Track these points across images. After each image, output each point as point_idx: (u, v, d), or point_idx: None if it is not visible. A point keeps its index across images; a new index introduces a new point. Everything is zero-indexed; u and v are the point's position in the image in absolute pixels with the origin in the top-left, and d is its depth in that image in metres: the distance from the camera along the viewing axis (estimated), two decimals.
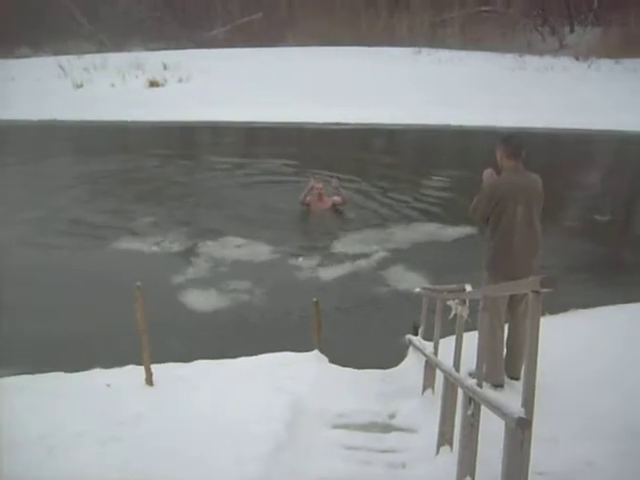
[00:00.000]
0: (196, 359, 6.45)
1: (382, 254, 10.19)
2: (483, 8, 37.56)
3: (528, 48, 33.05)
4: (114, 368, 6.27)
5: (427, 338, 6.04)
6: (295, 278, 9.48)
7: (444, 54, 32.07)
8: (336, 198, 12.21)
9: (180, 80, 30.03)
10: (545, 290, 2.88)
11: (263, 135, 22.26)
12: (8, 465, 4.54)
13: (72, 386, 5.91)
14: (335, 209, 12.15)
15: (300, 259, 10.07)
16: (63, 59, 33.55)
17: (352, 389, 5.95)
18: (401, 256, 10.12)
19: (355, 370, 6.48)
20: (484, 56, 31.26)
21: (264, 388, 5.67)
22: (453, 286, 5.10)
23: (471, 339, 4.46)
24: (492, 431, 3.60)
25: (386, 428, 5.17)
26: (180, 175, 16.12)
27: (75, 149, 20.38)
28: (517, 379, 5.54)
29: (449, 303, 4.79)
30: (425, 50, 33.22)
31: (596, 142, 19.44)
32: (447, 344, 5.13)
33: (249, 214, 12.30)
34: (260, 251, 10.45)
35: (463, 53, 31.87)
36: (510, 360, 5.65)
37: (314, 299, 6.60)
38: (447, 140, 20.72)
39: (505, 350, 5.67)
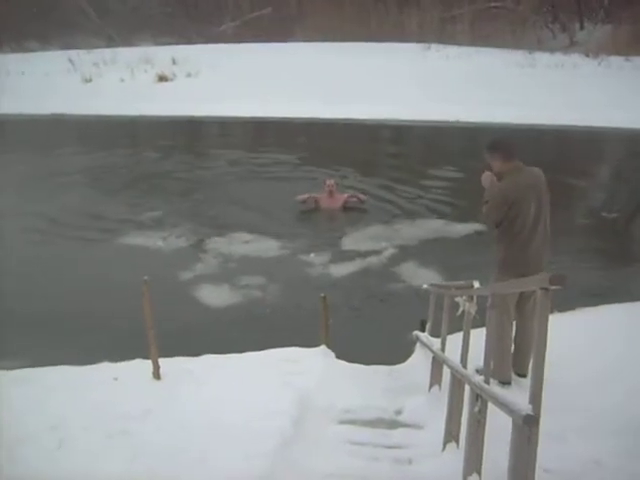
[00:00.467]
0: (205, 353, 6.46)
1: (391, 250, 10.19)
2: (493, 4, 37.46)
3: (538, 45, 32.93)
4: (122, 362, 6.28)
5: (434, 335, 6.03)
6: (304, 274, 9.49)
7: (453, 50, 31.98)
8: (351, 197, 12.17)
9: (189, 75, 30.07)
10: (554, 287, 2.86)
11: (271, 130, 22.28)
12: (20, 457, 4.57)
13: (80, 379, 5.92)
14: (345, 207, 12.07)
15: (312, 255, 10.07)
16: (72, 53, 33.64)
17: (359, 385, 5.95)
18: (409, 253, 10.12)
19: (362, 366, 6.47)
20: (494, 52, 31.17)
21: (271, 383, 5.67)
22: (461, 283, 5.09)
23: (478, 336, 4.46)
24: (499, 428, 3.59)
25: (393, 424, 5.16)
26: (186, 170, 16.15)
27: (83, 143, 20.43)
28: (524, 376, 5.53)
29: (457, 300, 4.78)
30: (434, 46, 33.14)
31: (606, 140, 19.37)
32: (454, 341, 5.12)
33: (256, 210, 12.31)
34: (268, 247, 10.46)
35: (472, 49, 31.78)
36: (518, 357, 5.64)
37: (321, 294, 6.59)
38: (456, 137, 20.67)
39: (513, 347, 5.65)
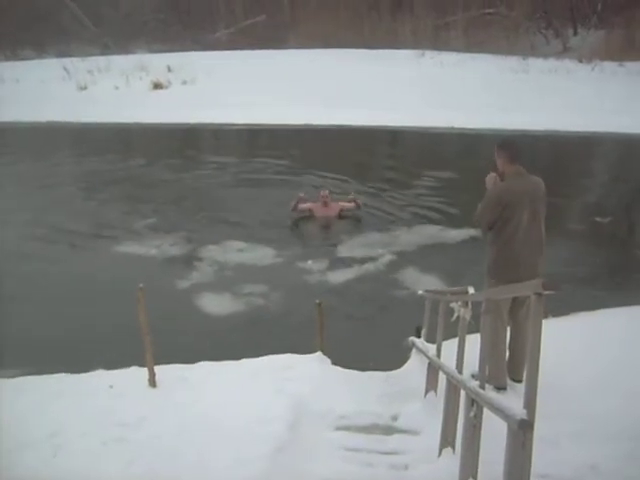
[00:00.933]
0: (204, 361, 6.47)
1: (388, 257, 10.18)
2: (486, 11, 37.62)
3: (532, 51, 33.07)
4: (117, 369, 6.28)
5: (430, 340, 6.04)
6: (302, 281, 9.46)
7: (447, 57, 32.11)
8: (346, 204, 12.04)
9: (184, 82, 30.13)
10: (547, 292, 2.88)
11: (266, 137, 22.31)
12: (17, 463, 4.57)
13: (76, 387, 5.93)
14: (341, 215, 11.98)
15: (309, 262, 10.05)
16: (67, 61, 33.70)
17: (354, 391, 5.95)
18: (406, 259, 10.13)
19: (358, 372, 6.48)
20: (487, 59, 31.30)
21: (266, 389, 5.67)
22: (456, 288, 5.10)
23: (474, 341, 4.47)
24: (494, 433, 3.61)
25: (388, 430, 5.17)
26: (180, 177, 16.15)
27: (78, 151, 20.45)
28: (519, 382, 5.53)
29: (452, 305, 4.80)
30: (428, 53, 33.27)
31: (599, 145, 19.45)
32: (450, 346, 5.13)
33: (250, 217, 12.29)
34: (264, 255, 10.44)
35: (466, 56, 31.92)
36: (512, 363, 5.65)
37: (317, 301, 6.60)
38: (450, 143, 20.75)
39: (507, 353, 5.67)
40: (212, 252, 10.55)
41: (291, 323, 8.07)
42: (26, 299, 8.88)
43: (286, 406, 5.28)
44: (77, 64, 33.37)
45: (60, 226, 12.24)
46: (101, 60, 34.47)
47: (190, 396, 5.61)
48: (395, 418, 5.33)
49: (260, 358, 6.48)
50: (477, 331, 4.65)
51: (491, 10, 37.60)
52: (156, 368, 5.84)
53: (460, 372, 4.40)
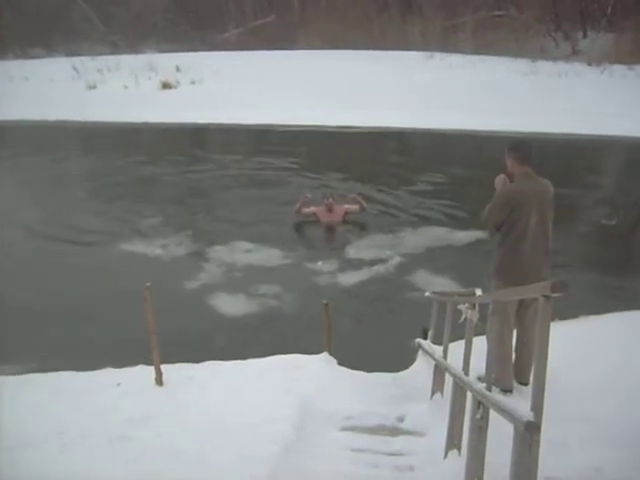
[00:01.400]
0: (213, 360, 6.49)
1: (397, 259, 10.12)
2: (496, 13, 37.56)
3: (541, 53, 32.99)
4: (125, 368, 6.30)
5: (436, 342, 6.04)
6: (311, 282, 9.43)
7: (456, 59, 32.05)
8: (350, 206, 11.90)
9: (193, 82, 30.16)
10: (556, 295, 2.88)
11: (274, 138, 22.30)
12: (22, 460, 4.59)
13: (83, 385, 5.96)
14: (345, 220, 11.79)
15: (319, 263, 10.04)
16: (76, 60, 33.77)
17: (361, 392, 5.96)
18: (415, 261, 10.10)
19: (364, 373, 6.48)
20: (496, 61, 31.23)
21: (272, 389, 5.68)
22: (463, 290, 5.10)
23: (480, 343, 4.47)
24: (500, 435, 3.60)
25: (394, 431, 5.17)
26: (187, 177, 16.16)
27: (86, 150, 20.52)
28: (526, 384, 5.53)
29: (459, 307, 4.79)
30: (437, 54, 33.20)
31: (608, 148, 19.37)
32: (456, 348, 5.13)
33: (257, 218, 12.28)
34: (271, 256, 10.40)
35: (475, 58, 31.85)
36: (519, 365, 5.64)
37: (324, 301, 6.61)
38: (457, 145, 20.69)
39: (514, 355, 5.66)
40: (219, 252, 10.54)
41: (301, 324, 8.04)
42: (30, 297, 8.91)
43: (292, 406, 5.29)
44: (86, 63, 33.44)
45: (65, 224, 12.28)
46: (110, 59, 34.53)
47: (196, 395, 5.63)
48: (401, 419, 5.33)
49: (266, 358, 6.49)
50: (483, 333, 4.66)
51: (501, 12, 37.56)
52: (163, 367, 5.86)
53: (466, 374, 4.40)
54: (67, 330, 7.90)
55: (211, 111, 23.73)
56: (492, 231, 5.61)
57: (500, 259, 5.51)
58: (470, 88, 25.19)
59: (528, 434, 2.94)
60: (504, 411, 3.25)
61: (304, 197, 11.90)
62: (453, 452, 4.49)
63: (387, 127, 21.49)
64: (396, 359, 6.86)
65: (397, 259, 10.17)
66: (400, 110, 22.44)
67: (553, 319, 3.07)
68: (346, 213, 11.83)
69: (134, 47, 41.94)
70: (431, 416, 5.21)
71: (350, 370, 6.48)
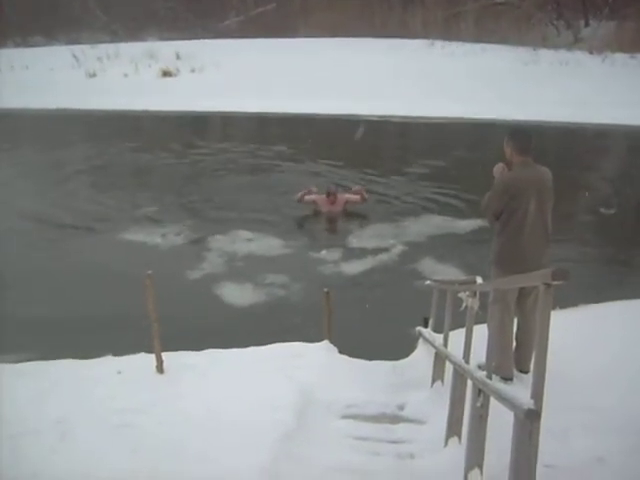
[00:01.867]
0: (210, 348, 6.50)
1: (400, 247, 10.14)
2: (497, 1, 37.32)
3: (543, 42, 32.81)
4: (125, 356, 6.32)
5: (437, 330, 6.05)
6: (312, 271, 9.43)
7: (458, 47, 31.91)
8: (351, 196, 11.81)
9: (193, 70, 30.08)
10: (556, 283, 2.87)
11: (274, 126, 22.27)
12: (23, 449, 4.60)
13: (84, 373, 5.96)
14: (346, 210, 11.74)
15: (323, 252, 10.03)
16: (76, 48, 33.66)
17: (361, 380, 5.97)
18: (417, 249, 10.11)
19: (364, 361, 6.49)
20: (498, 49, 31.09)
21: (273, 377, 5.69)
22: (464, 278, 5.10)
23: (480, 332, 4.47)
24: (500, 423, 3.61)
25: (395, 419, 5.18)
26: (186, 165, 16.16)
27: (86, 138, 20.46)
28: (526, 372, 5.54)
29: (460, 295, 4.79)
30: (439, 43, 33.05)
31: (608, 137, 19.34)
32: (456, 336, 5.14)
33: (256, 206, 12.26)
34: (273, 245, 10.40)
35: (477, 46, 31.69)
36: (519, 353, 5.65)
37: (325, 290, 6.62)
38: (458, 133, 20.65)
39: (514, 343, 5.66)
40: (220, 241, 10.54)
41: (302, 312, 8.02)
42: (30, 286, 8.93)
43: (293, 394, 5.30)
44: (86, 51, 33.35)
45: (64, 212, 12.29)
46: (110, 47, 34.41)
47: (197, 383, 5.64)
48: (401, 407, 5.34)
49: (267, 346, 6.50)
50: (483, 321, 4.66)
51: (502, 0, 37.32)
52: (164, 354, 5.86)
53: (467, 362, 4.40)
54: (67, 318, 7.90)
55: (211, 99, 23.68)
56: (491, 220, 5.60)
57: (500, 247, 5.51)
58: (471, 77, 25.11)
59: (528, 422, 2.94)
60: (504, 399, 3.25)
61: (308, 189, 11.85)
62: (453, 440, 4.50)
63: (389, 115, 21.45)
64: (397, 347, 6.87)
65: (402, 247, 10.17)
66: (401, 99, 22.38)
67: (553, 307, 3.07)
68: (347, 202, 11.77)
69: (134, 35, 41.77)
70: (431, 404, 5.22)
71: (350, 358, 6.49)
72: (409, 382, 5.88)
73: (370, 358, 6.54)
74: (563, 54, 29.87)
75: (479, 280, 4.64)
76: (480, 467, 3.84)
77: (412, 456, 4.56)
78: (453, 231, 10.93)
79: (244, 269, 9.54)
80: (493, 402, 3.66)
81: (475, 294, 4.54)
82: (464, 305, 4.67)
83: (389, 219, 11.52)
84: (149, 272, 5.77)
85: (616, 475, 4.16)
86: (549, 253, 5.49)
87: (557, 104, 20.86)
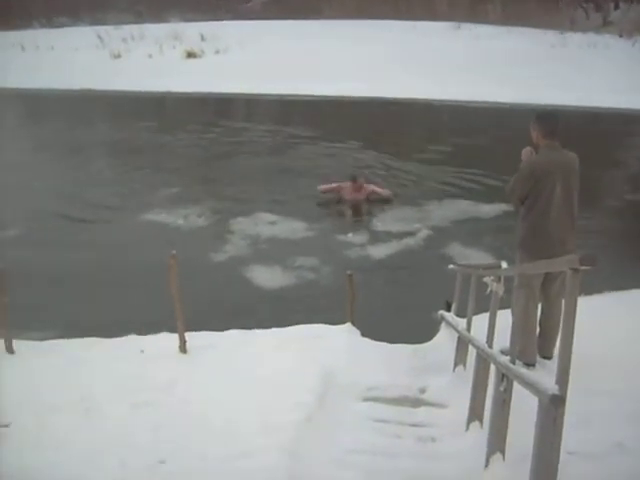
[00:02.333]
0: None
1: (425, 232, 10.08)
2: None
3: (571, 25, 32.35)
4: (149, 335, 6.36)
5: (459, 315, 6.02)
6: (335, 254, 9.40)
7: (484, 29, 31.58)
8: (378, 189, 11.61)
9: (217, 52, 30.07)
10: (584, 268, 2.83)
11: (298, 108, 22.21)
12: (48, 425, 4.66)
13: (108, 351, 6.02)
14: (370, 199, 11.53)
15: (350, 235, 10.01)
16: (101, 29, 33.81)
17: (383, 363, 5.96)
18: (443, 233, 10.07)
19: (386, 344, 6.48)
20: (525, 32, 30.72)
21: (295, 359, 5.70)
22: (489, 263, 5.06)
23: (503, 317, 4.45)
24: (522, 408, 3.59)
25: (416, 402, 5.17)
26: (209, 147, 16.16)
27: (109, 119, 20.57)
28: (549, 358, 5.50)
29: (485, 280, 4.75)
30: (465, 25, 32.72)
31: (636, 122, 19.05)
32: (479, 321, 5.11)
33: (279, 190, 12.23)
34: (296, 228, 10.36)
35: (503, 29, 31.35)
36: (542, 339, 5.60)
37: (348, 272, 6.61)
38: (484, 117, 20.45)
39: (538, 329, 5.62)
40: (242, 224, 10.55)
41: (328, 295, 8.01)
42: (54, 267, 8.98)
43: (315, 376, 5.30)
44: (111, 32, 33.48)
45: (87, 194, 12.39)
46: (135, 28, 34.48)
47: (219, 363, 5.67)
48: (423, 391, 5.33)
49: (289, 328, 6.52)
50: (506, 306, 4.63)
51: None
52: (187, 335, 5.90)
53: (490, 347, 4.38)
54: (91, 298, 7.98)
55: (235, 81, 23.65)
56: (517, 204, 5.54)
57: (525, 231, 5.45)
58: (498, 60, 24.83)
59: (553, 407, 2.91)
60: (528, 384, 3.23)
61: (338, 186, 11.63)
62: (475, 424, 4.48)
63: (414, 98, 21.30)
64: (420, 331, 6.85)
65: (428, 232, 10.10)
66: (427, 81, 22.21)
67: (580, 294, 3.03)
68: (373, 192, 11.55)
69: (158, 16, 41.82)
70: (453, 388, 5.20)
71: (373, 341, 6.48)
72: (431, 366, 5.87)
73: (393, 341, 6.53)
74: (592, 37, 29.44)
75: (504, 265, 4.60)
76: (502, 452, 3.83)
77: (433, 439, 4.55)
78: (478, 215, 10.84)
79: (268, 251, 9.56)
80: (515, 387, 3.64)
81: (500, 279, 4.50)
82: (489, 290, 4.63)
83: (414, 203, 11.44)
84: (173, 252, 5.79)
85: (636, 460, 4.13)
86: (575, 238, 5.44)
87: (584, 88, 20.57)
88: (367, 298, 7.32)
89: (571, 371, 2.99)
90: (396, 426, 4.76)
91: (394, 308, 7.80)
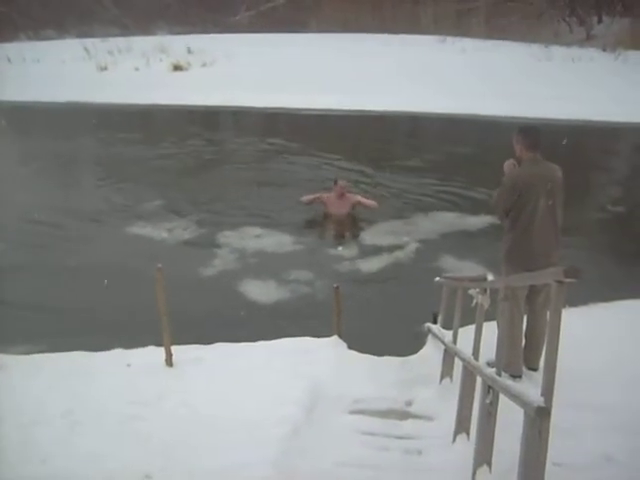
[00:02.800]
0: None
1: (414, 245, 10.02)
2: None
3: (555, 38, 32.66)
4: (135, 349, 6.34)
5: (446, 327, 6.04)
6: (322, 268, 9.32)
7: (469, 43, 31.79)
8: (364, 200, 11.22)
9: (204, 64, 30.08)
10: (568, 280, 2.87)
11: (284, 121, 22.23)
12: (33, 440, 4.63)
13: (93, 365, 5.98)
14: (354, 213, 11.17)
15: (340, 248, 9.97)
16: (88, 42, 33.73)
17: (370, 375, 5.97)
18: (433, 246, 9.98)
19: (373, 357, 6.48)
20: (510, 46, 30.97)
21: (282, 372, 5.70)
22: (474, 275, 5.09)
23: (488, 329, 4.47)
24: (509, 420, 3.61)
25: (403, 415, 5.18)
26: (195, 159, 16.13)
27: (95, 132, 20.44)
28: (535, 370, 5.53)
29: (470, 292, 4.78)
30: (450, 39, 32.94)
31: (619, 135, 19.23)
32: (465, 333, 5.13)
33: (265, 203, 12.13)
34: (283, 242, 10.22)
35: (488, 42, 31.57)
36: (528, 351, 5.64)
37: (335, 285, 6.61)
38: (468, 130, 20.55)
39: (524, 341, 5.65)
40: (228, 237, 10.41)
41: (315, 308, 7.96)
42: (35, 279, 8.91)
43: (302, 389, 5.31)
44: (97, 45, 33.42)
45: (70, 206, 12.29)
46: (121, 41, 34.45)
47: (206, 376, 5.66)
48: (410, 403, 5.35)
49: (276, 341, 6.51)
50: (492, 318, 4.65)
51: None
52: (173, 348, 5.88)
53: (476, 359, 4.40)
54: (76, 312, 7.93)
55: (222, 94, 23.66)
56: (501, 216, 5.61)
57: (509, 244, 5.50)
58: (482, 73, 25.00)
59: (538, 419, 2.94)
60: (514, 396, 3.25)
61: (319, 196, 11.32)
62: (462, 436, 4.50)
63: (400, 111, 21.36)
64: (408, 343, 6.85)
65: (418, 245, 10.05)
66: (411, 95, 22.31)
67: (564, 306, 3.06)
68: (358, 203, 11.16)
69: (145, 29, 41.83)
70: (440, 400, 5.22)
71: (359, 354, 6.48)
72: (418, 378, 5.88)
73: (380, 354, 6.53)
74: (575, 51, 29.70)
75: (490, 277, 4.64)
76: (489, 464, 3.85)
77: (420, 452, 4.57)
78: (464, 228, 10.84)
79: (254, 265, 9.47)
80: (502, 399, 3.66)
81: (485, 291, 4.53)
82: (474, 302, 4.66)
83: (400, 215, 11.41)
84: (159, 265, 5.79)
85: (624, 474, 4.15)
86: (559, 250, 5.48)
87: (569, 101, 20.74)
88: (354, 311, 7.31)
89: (559, 383, 3.02)
90: (383, 439, 4.77)
91: (381, 321, 7.79)
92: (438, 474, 4.23)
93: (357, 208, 11.22)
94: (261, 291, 8.67)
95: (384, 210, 11.55)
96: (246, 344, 6.43)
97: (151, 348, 6.22)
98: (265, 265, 9.43)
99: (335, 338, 6.58)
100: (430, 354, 6.37)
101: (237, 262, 9.62)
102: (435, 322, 6.61)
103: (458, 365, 5.06)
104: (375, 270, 9.34)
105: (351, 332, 6.74)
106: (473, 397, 4.45)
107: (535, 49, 29.38)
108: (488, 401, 3.82)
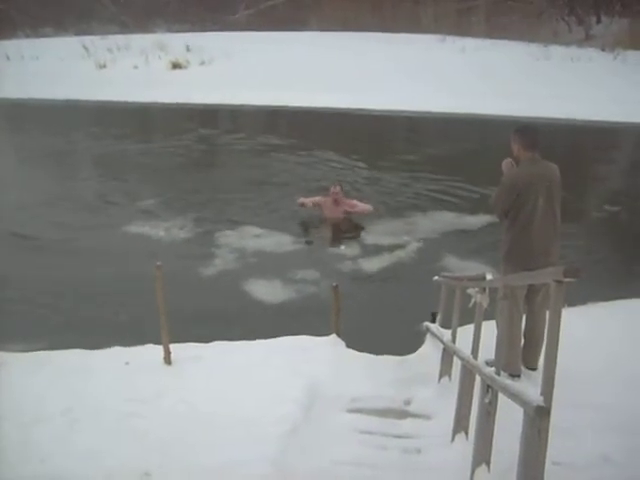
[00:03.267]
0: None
1: (415, 244, 9.99)
2: None
3: (554, 38, 32.63)
4: (133, 347, 6.33)
5: (444, 326, 6.03)
6: (322, 267, 9.33)
7: (469, 42, 31.76)
8: (361, 204, 11.12)
9: (202, 63, 30.04)
10: (568, 280, 2.86)
11: (283, 119, 22.23)
12: (32, 438, 4.63)
13: (92, 363, 5.98)
14: (349, 218, 11.01)
15: (342, 247, 9.96)
16: (86, 39, 33.67)
17: (368, 374, 5.96)
18: (434, 246, 9.96)
19: (371, 355, 6.48)
20: (509, 45, 30.94)
21: (280, 370, 5.69)
22: (473, 274, 5.09)
23: (487, 328, 4.47)
24: (508, 420, 3.60)
25: (401, 414, 5.18)
26: (192, 158, 16.12)
27: (93, 129, 20.41)
28: (534, 369, 5.53)
29: (469, 291, 4.78)
30: (450, 38, 32.91)
31: (618, 135, 19.24)
32: (464, 332, 5.13)
33: (263, 202, 12.12)
34: (282, 242, 10.18)
35: (488, 42, 31.54)
36: (527, 350, 5.64)
37: (333, 284, 6.61)
38: (468, 129, 20.55)
39: (522, 340, 5.65)
40: (227, 237, 10.37)
41: (314, 307, 7.93)
42: (36, 279, 8.89)
43: (300, 387, 5.31)
44: (96, 42, 33.35)
45: (68, 204, 12.29)
46: (120, 39, 34.39)
47: (204, 375, 5.65)
48: (408, 402, 5.34)
49: (274, 339, 6.50)
50: (491, 318, 4.65)
51: None
52: (171, 346, 5.88)
53: (475, 358, 4.39)
54: (74, 310, 7.92)
55: (220, 92, 23.64)
56: (500, 216, 5.60)
57: (509, 243, 5.50)
58: (482, 72, 24.98)
59: (538, 418, 2.93)
60: (514, 395, 3.25)
61: (314, 200, 11.15)
62: (460, 436, 4.50)
63: (399, 110, 21.36)
64: (407, 342, 6.85)
65: (419, 244, 10.03)
66: (411, 94, 22.30)
67: (563, 305, 3.06)
68: (354, 206, 11.04)
69: (144, 27, 41.73)
70: (438, 399, 5.21)
71: (358, 352, 6.48)
72: (416, 377, 5.88)
73: (379, 353, 6.53)
74: (574, 50, 29.68)
75: (489, 276, 4.63)
76: (487, 463, 3.84)
77: (419, 451, 4.56)
78: (464, 227, 10.81)
79: (251, 263, 9.46)
80: (501, 398, 3.65)
81: (484, 290, 4.52)
82: (473, 301, 4.66)
83: (399, 215, 11.38)
84: (158, 263, 5.78)
85: (621, 474, 4.15)
86: (558, 249, 5.48)
87: (567, 100, 20.73)
88: (353, 310, 7.31)
89: (558, 383, 3.01)
90: (381, 437, 4.77)
91: (380, 319, 7.78)
92: (437, 473, 4.22)
93: (353, 210, 11.09)
94: (260, 290, 8.66)
95: (385, 209, 11.57)
96: (244, 342, 6.43)
97: (149, 346, 6.22)
98: (264, 264, 9.42)
99: (333, 337, 6.58)
100: (429, 353, 6.37)
101: (235, 261, 9.60)
102: (434, 321, 6.60)
103: (457, 364, 5.06)
104: (374, 269, 9.33)
105: (350, 331, 6.74)
106: (472, 396, 4.45)
107: (534, 48, 29.36)
108: (487, 400, 3.81)
